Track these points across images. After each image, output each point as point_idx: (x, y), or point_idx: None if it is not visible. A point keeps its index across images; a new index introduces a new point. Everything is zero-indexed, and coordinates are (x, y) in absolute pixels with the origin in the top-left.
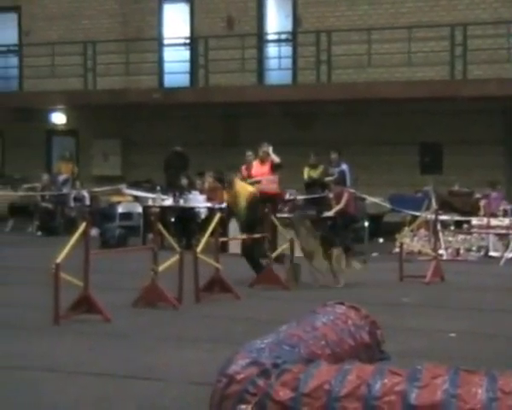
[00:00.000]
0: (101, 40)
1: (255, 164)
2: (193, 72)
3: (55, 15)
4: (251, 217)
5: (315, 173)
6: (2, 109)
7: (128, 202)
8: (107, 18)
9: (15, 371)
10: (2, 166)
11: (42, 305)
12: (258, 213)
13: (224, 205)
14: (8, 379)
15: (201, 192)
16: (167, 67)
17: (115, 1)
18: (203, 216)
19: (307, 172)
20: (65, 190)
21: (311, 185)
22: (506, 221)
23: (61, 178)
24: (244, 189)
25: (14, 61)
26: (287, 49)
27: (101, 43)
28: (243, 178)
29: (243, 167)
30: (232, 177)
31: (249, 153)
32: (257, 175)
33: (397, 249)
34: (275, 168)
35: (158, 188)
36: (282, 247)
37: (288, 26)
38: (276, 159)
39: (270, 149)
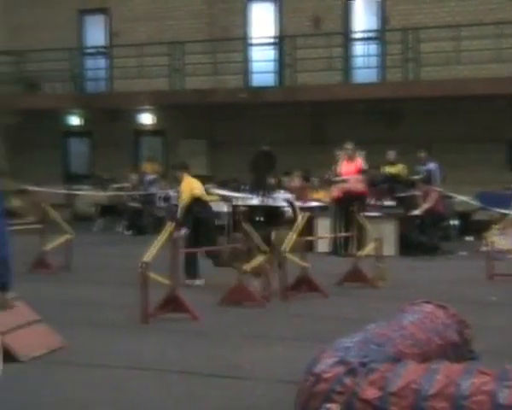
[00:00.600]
0: (189, 40)
1: (343, 163)
2: (280, 71)
3: (143, 17)
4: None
5: (394, 170)
6: (91, 110)
7: (215, 201)
8: (194, 18)
9: (104, 369)
10: (92, 167)
11: (130, 304)
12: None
13: (312, 204)
14: (96, 377)
15: (288, 191)
16: (254, 66)
17: (202, 1)
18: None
19: (385, 169)
20: (152, 190)
21: (387, 181)
22: None
23: (149, 178)
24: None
25: (103, 62)
26: (374, 48)
27: (188, 44)
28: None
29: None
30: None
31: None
32: (344, 174)
33: (484, 248)
34: (362, 172)
35: (244, 187)
36: (370, 246)
37: (375, 25)
38: (364, 165)
39: (359, 153)
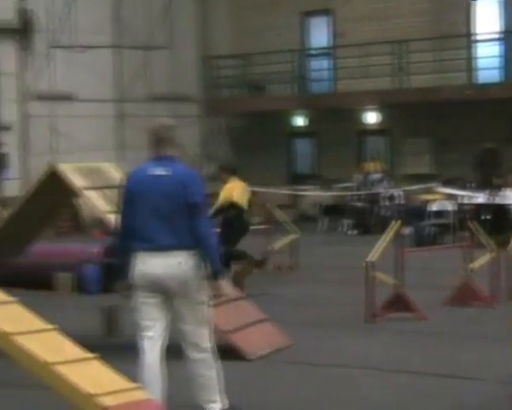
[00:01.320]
0: (412, 39)
1: None
2: (506, 67)
3: (367, 16)
4: None
5: None
6: (315, 110)
7: (440, 200)
8: (417, 16)
9: (331, 368)
10: (316, 167)
11: (356, 303)
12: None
13: None
14: (323, 376)
15: None
16: (479, 63)
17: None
18: None
19: None
20: (377, 190)
21: None
22: None
23: (374, 177)
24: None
25: (326, 63)
26: None
27: (412, 42)
28: None
29: None
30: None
31: None
32: None
33: None
34: None
35: (470, 185)
36: None
37: None
38: None
39: None
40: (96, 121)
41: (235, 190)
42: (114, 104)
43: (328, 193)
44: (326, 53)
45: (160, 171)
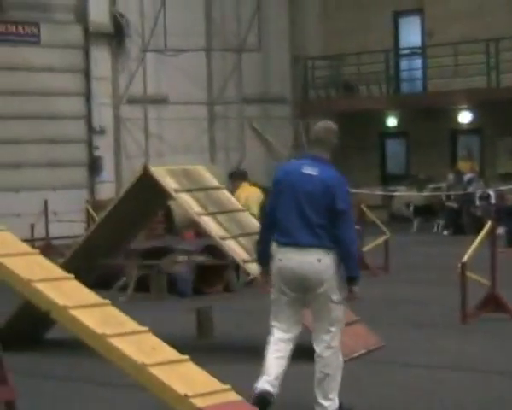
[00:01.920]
0: (504, 37)
1: None
2: None
3: (458, 15)
4: None
5: None
6: (407, 110)
7: None
8: (509, 14)
9: (424, 369)
10: (409, 167)
11: (449, 303)
12: None
13: None
14: (416, 377)
15: None
16: None
17: None
18: None
19: None
20: (470, 189)
21: None
22: None
23: (466, 177)
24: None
25: (418, 62)
26: None
27: (503, 40)
28: None
29: None
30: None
31: None
32: None
33: None
34: None
35: None
36: None
37: None
38: None
39: None
40: (188, 124)
41: (248, 198)
42: (206, 106)
43: (419, 193)
44: (417, 52)
45: (308, 170)
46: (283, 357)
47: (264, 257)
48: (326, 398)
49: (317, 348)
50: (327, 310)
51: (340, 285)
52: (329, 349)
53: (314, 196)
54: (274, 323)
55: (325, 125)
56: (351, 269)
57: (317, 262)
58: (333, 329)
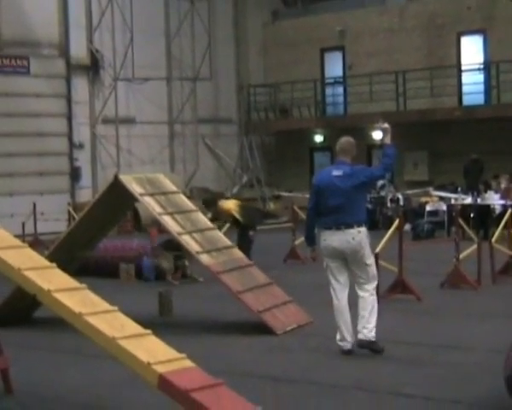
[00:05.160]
0: (410, 69)
1: None
2: (487, 92)
3: (373, 52)
4: None
5: None
6: (332, 129)
7: (434, 201)
8: (415, 51)
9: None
10: None
11: None
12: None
13: None
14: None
15: (496, 192)
16: (465, 88)
17: (421, 37)
18: (497, 212)
19: None
20: (383, 193)
21: None
22: None
23: (379, 183)
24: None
25: (340, 90)
26: None
27: (409, 72)
28: None
29: None
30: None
31: None
32: None
33: None
34: None
35: (459, 189)
36: None
37: None
38: None
39: None
40: (152, 140)
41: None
42: (167, 126)
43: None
44: (340, 81)
45: (336, 172)
46: (348, 316)
47: (311, 239)
48: (368, 330)
49: (361, 293)
50: (365, 271)
51: (370, 251)
52: (371, 296)
53: (345, 189)
54: (333, 282)
55: (348, 140)
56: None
57: (351, 239)
58: (371, 282)
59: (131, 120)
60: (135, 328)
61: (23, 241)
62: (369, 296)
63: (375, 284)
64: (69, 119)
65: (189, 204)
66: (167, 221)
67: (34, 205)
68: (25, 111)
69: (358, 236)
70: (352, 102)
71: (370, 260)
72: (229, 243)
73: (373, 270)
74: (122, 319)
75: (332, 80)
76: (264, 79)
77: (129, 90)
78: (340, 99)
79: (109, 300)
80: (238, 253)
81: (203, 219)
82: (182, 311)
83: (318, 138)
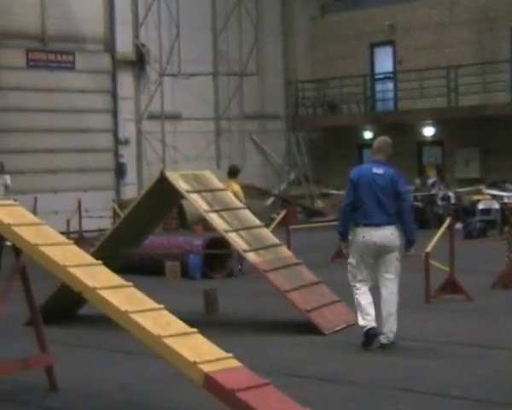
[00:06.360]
0: (462, 65)
1: None
2: None
3: (424, 46)
4: None
5: None
6: (381, 125)
7: (487, 199)
8: (466, 45)
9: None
10: None
11: (416, 287)
12: None
13: None
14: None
15: None
16: None
17: (473, 31)
18: None
19: None
20: (433, 191)
21: None
22: None
23: (430, 181)
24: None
25: (390, 85)
26: None
27: (461, 68)
28: None
29: None
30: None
31: None
32: None
33: None
34: None
35: (511, 187)
36: None
37: None
38: None
39: None
40: (198, 136)
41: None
42: (213, 122)
43: None
44: (389, 77)
45: (376, 170)
46: (372, 301)
47: (345, 234)
48: (391, 331)
49: (384, 293)
50: (394, 266)
51: (400, 248)
52: (393, 294)
53: (385, 187)
54: (359, 279)
55: (384, 139)
56: (409, 235)
57: (390, 235)
58: (396, 279)
59: (177, 116)
60: (181, 326)
61: (68, 238)
62: (394, 299)
63: (398, 283)
64: (114, 114)
65: (235, 201)
66: (214, 219)
67: (79, 202)
68: (70, 107)
69: (396, 231)
70: (401, 97)
71: (399, 256)
72: (276, 241)
73: (399, 267)
74: (168, 317)
75: (382, 76)
76: (312, 75)
77: (175, 86)
78: (390, 95)
79: (154, 298)
80: (286, 251)
81: (251, 217)
82: (228, 309)
83: (367, 135)
